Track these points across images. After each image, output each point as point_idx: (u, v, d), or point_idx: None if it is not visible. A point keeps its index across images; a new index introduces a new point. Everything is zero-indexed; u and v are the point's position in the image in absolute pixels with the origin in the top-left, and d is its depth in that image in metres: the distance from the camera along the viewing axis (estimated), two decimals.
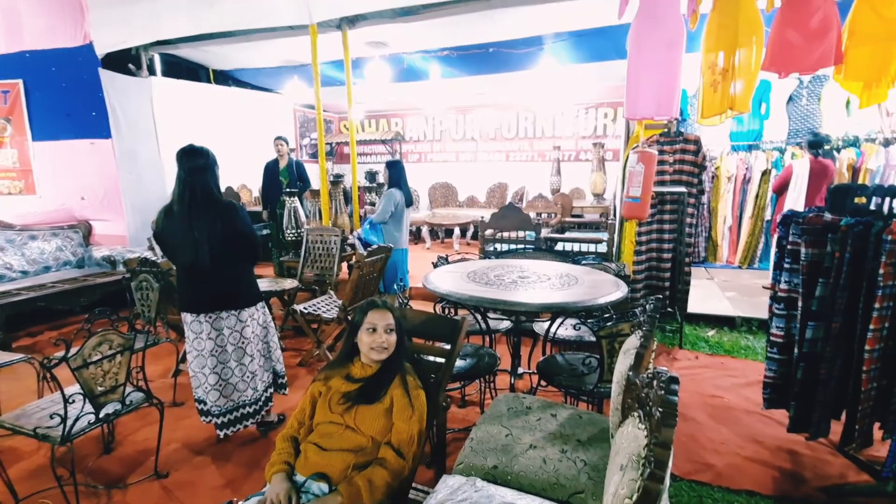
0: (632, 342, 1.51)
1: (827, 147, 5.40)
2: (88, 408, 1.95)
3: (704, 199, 5.72)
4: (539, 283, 2.54)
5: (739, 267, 5.98)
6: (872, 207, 2.01)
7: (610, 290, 2.37)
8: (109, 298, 4.79)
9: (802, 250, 2.03)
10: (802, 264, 2.04)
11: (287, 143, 6.01)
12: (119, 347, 2.03)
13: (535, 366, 2.46)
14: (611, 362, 2.04)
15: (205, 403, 2.45)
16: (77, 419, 1.91)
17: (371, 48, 5.62)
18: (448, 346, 1.88)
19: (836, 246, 1.87)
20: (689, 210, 4.06)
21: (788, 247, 2.13)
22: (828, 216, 1.99)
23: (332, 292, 4.06)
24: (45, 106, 5.34)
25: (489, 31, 5.14)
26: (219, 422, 2.45)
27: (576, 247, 5.12)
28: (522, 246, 4.80)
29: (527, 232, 5.00)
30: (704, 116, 3.29)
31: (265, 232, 6.87)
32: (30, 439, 2.01)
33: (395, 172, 4.64)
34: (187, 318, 2.37)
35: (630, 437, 1.00)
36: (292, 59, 6.27)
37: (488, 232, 5.00)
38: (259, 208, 6.94)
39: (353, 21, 4.71)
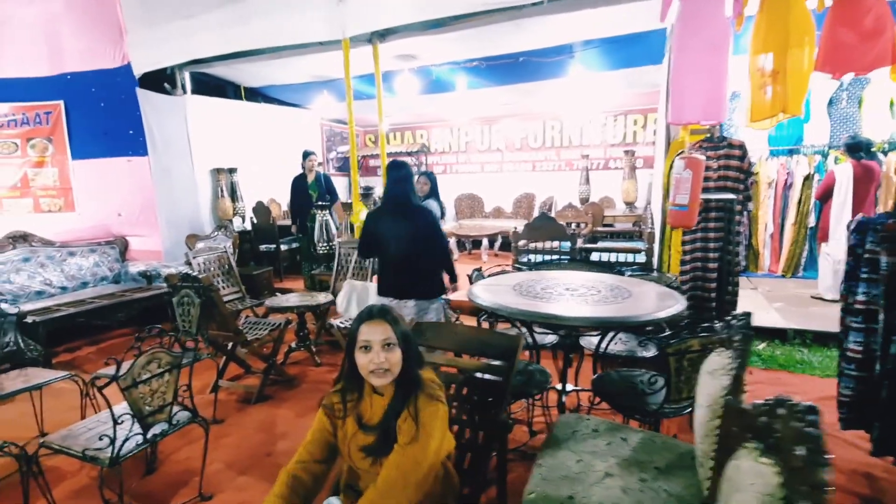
0: (717, 362, 1.39)
1: (872, 149, 5.16)
2: (136, 428, 1.91)
3: (750, 205, 5.52)
4: (590, 295, 2.43)
5: (783, 276, 5.73)
6: None
7: (668, 302, 2.25)
8: (147, 313, 4.83)
9: (883, 259, 1.88)
10: (883, 274, 1.89)
11: (317, 158, 6.04)
12: (167, 366, 1.99)
13: (590, 382, 2.34)
14: (678, 381, 1.91)
15: None
16: (126, 440, 1.87)
17: (400, 61, 5.64)
18: (503, 363, 1.79)
19: None
20: (736, 217, 3.89)
21: (865, 255, 1.98)
22: None
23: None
24: (85, 125, 5.49)
25: (519, 40, 5.10)
26: None
27: (612, 257, 4.98)
28: (558, 257, 4.70)
29: (561, 242, 4.89)
30: (754, 120, 3.15)
31: (294, 245, 6.92)
32: (72, 458, 1.98)
33: (434, 183, 4.55)
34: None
35: (751, 473, 0.89)
36: (321, 74, 6.33)
37: (521, 242, 4.91)
38: (287, 222, 7.00)
39: (383, 35, 4.72)
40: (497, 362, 1.86)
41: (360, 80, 6.47)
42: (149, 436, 1.96)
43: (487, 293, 2.49)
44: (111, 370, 2.74)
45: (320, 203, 5.09)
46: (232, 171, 6.78)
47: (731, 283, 4.00)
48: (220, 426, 2.93)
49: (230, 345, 3.38)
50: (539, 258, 4.78)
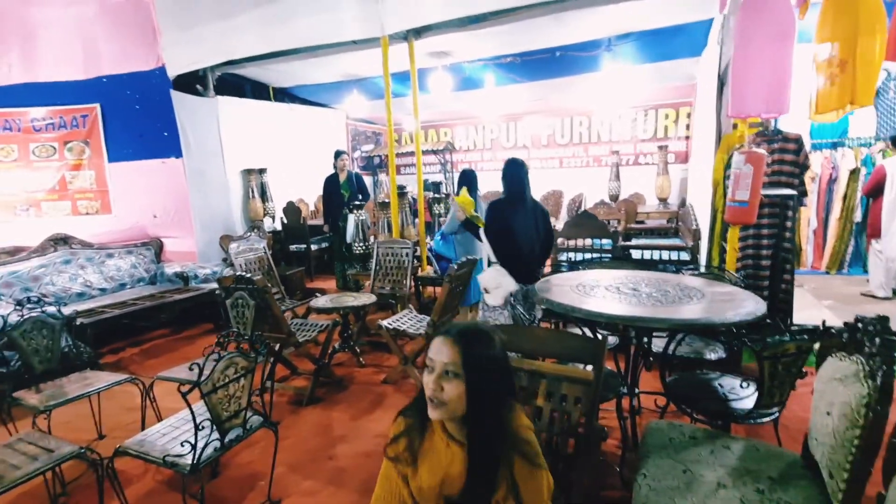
0: (844, 367, 1.32)
1: None
2: (214, 434, 1.89)
3: (805, 201, 5.37)
4: (662, 296, 2.35)
5: (827, 272, 5.57)
6: None
7: (748, 302, 2.16)
8: (186, 315, 4.86)
9: None
10: None
11: (348, 157, 6.03)
12: (243, 370, 1.97)
13: (663, 386, 2.27)
14: (771, 386, 1.83)
15: None
16: (205, 446, 1.85)
17: (433, 58, 5.58)
18: (589, 368, 1.73)
19: None
20: (789, 213, 3.77)
21: None
22: None
23: (410, 307, 3.96)
24: (120, 128, 5.53)
25: (558, 34, 5.01)
26: None
27: (653, 254, 4.87)
28: (599, 255, 4.61)
29: (602, 240, 4.80)
30: (819, 112, 3.04)
31: (324, 245, 6.92)
32: (136, 461, 1.97)
33: (461, 182, 4.48)
34: None
35: None
36: (352, 73, 6.30)
37: (559, 241, 4.83)
38: (317, 222, 7.00)
39: (419, 32, 4.67)
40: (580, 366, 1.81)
41: (390, 78, 6.44)
42: (226, 441, 1.93)
43: (552, 294, 2.43)
44: (169, 373, 2.77)
45: (356, 202, 5.07)
46: (262, 171, 6.79)
47: (784, 280, 3.88)
48: (283, 430, 2.91)
49: (278, 346, 3.37)
50: (579, 256, 4.71)
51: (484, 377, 1.06)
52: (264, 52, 5.08)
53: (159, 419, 2.65)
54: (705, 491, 1.39)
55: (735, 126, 3.65)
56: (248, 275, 3.06)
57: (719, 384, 2.18)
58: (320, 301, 3.86)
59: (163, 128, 5.47)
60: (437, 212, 5.28)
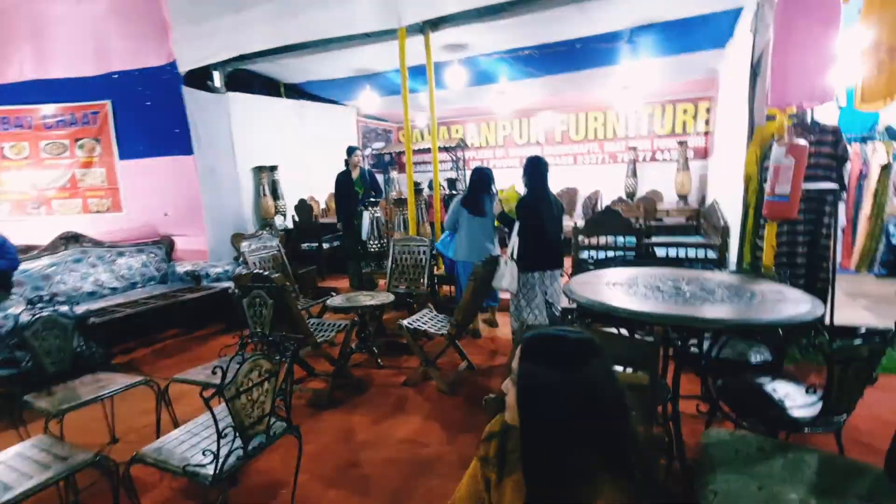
0: None
1: None
2: (237, 441, 1.76)
3: (844, 195, 5.19)
4: (710, 295, 2.20)
5: (856, 271, 5.38)
6: None
7: (803, 302, 2.02)
8: (198, 314, 4.77)
9: None
10: None
11: (361, 153, 5.90)
12: (266, 374, 1.84)
13: (712, 391, 2.13)
14: (839, 392, 1.69)
15: None
16: (228, 455, 1.73)
17: (448, 52, 5.45)
18: (643, 373, 1.59)
19: None
20: (828, 209, 3.61)
21: None
22: None
23: (430, 306, 3.84)
24: (131, 125, 5.44)
25: (578, 26, 4.86)
26: None
27: (678, 252, 4.70)
28: (623, 253, 4.46)
29: (625, 238, 4.64)
30: (866, 101, 2.88)
31: (335, 244, 6.80)
32: (149, 468, 1.85)
33: (473, 177, 4.24)
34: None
35: None
36: (364, 68, 6.19)
37: (580, 238, 4.68)
38: (330, 220, 6.90)
39: (436, 24, 4.55)
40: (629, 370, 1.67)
41: (398, 73, 6.30)
42: (249, 449, 1.81)
43: (590, 293, 2.29)
44: (185, 375, 2.66)
45: (371, 199, 4.95)
46: (273, 168, 6.70)
47: (820, 279, 3.72)
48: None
49: (287, 346, 3.24)
50: (601, 254, 4.55)
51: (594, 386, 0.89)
52: (276, 47, 4.98)
53: (175, 424, 2.55)
54: None
55: (770, 117, 3.49)
56: (266, 273, 2.94)
57: (773, 389, 2.03)
58: (336, 300, 3.74)
59: (174, 124, 5.38)
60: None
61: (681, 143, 6.71)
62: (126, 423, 2.90)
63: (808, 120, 3.58)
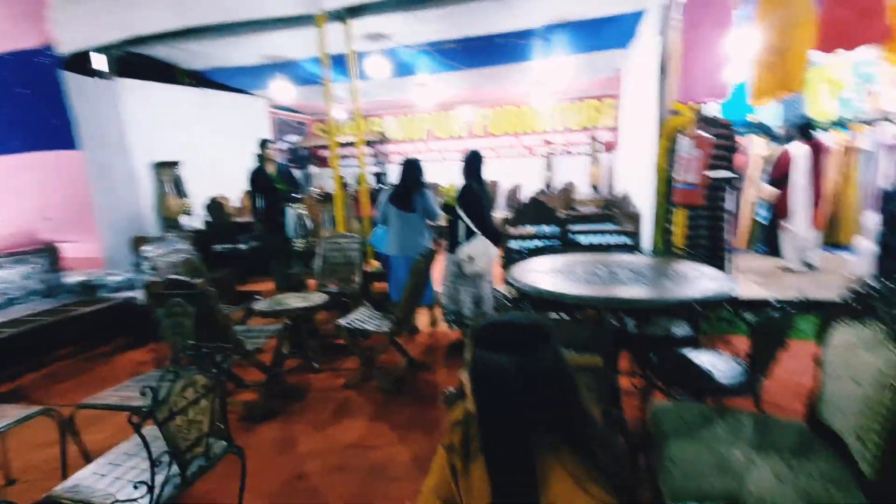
0: (863, 334, 1.35)
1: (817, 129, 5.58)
2: (173, 469, 1.56)
3: (738, 183, 5.79)
4: (641, 278, 2.36)
5: (743, 250, 6.11)
6: None
7: (720, 279, 2.24)
8: (97, 329, 4.20)
9: None
10: None
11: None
12: (203, 390, 1.65)
13: (650, 367, 2.28)
14: (761, 358, 1.89)
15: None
16: (164, 485, 1.52)
17: (369, 42, 5.28)
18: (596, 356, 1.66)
19: None
20: (724, 195, 4.04)
21: None
22: None
23: (367, 304, 3.71)
24: (1, 116, 4.63)
25: (497, 20, 4.94)
26: None
27: (599, 239, 5.01)
28: (550, 242, 4.65)
29: (548, 227, 4.86)
30: (757, 97, 3.25)
31: (253, 244, 6.35)
32: None
33: (403, 171, 4.18)
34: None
35: None
36: (277, 55, 5.80)
37: (510, 229, 4.82)
38: (246, 219, 6.42)
39: (356, 11, 4.38)
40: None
41: (314, 62, 6.02)
42: (188, 475, 1.62)
43: (533, 278, 2.36)
44: (95, 399, 2.32)
45: (293, 195, 4.68)
46: (176, 164, 6.08)
47: (720, 257, 4.16)
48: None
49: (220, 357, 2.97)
50: (529, 244, 4.72)
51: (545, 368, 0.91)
52: (176, 29, 4.49)
53: (87, 457, 2.22)
54: (740, 469, 1.37)
55: (676, 112, 3.82)
56: (186, 278, 2.64)
57: (699, 360, 2.22)
58: (263, 304, 3.49)
59: (54, 115, 4.67)
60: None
61: (593, 138, 7.15)
62: (22, 460, 2.48)
63: (708, 114, 3.98)
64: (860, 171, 5.75)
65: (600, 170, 7.26)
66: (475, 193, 3.64)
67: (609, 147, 7.93)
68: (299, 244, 4.59)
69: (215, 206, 6.13)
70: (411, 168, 3.97)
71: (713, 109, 4.57)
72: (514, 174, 8.16)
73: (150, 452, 1.46)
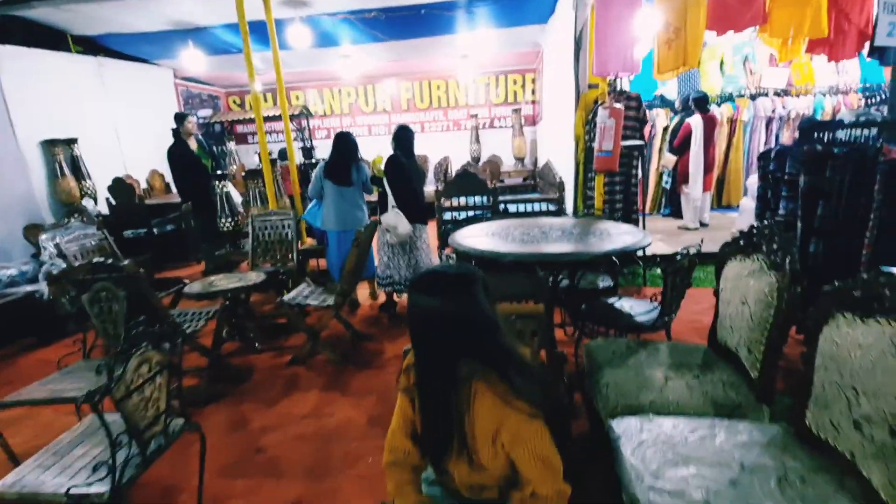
0: (748, 266, 1.64)
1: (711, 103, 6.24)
2: (133, 448, 1.54)
3: (647, 151, 6.30)
4: (567, 236, 2.60)
5: (650, 213, 6.76)
6: (844, 139, 2.41)
7: (638, 234, 2.54)
8: None
9: (801, 179, 2.37)
10: (801, 191, 2.39)
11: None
12: (158, 367, 1.62)
13: (582, 314, 2.54)
14: (671, 297, 2.20)
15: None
16: (125, 465, 1.50)
17: (289, 8, 5.03)
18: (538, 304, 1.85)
19: (837, 172, 2.22)
20: (635, 162, 4.46)
21: (786, 178, 2.46)
22: (818, 147, 2.34)
23: (308, 280, 3.68)
24: None
25: None
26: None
27: (526, 207, 5.30)
28: (482, 212, 4.85)
29: (479, 198, 5.04)
30: (660, 72, 3.60)
31: (169, 228, 5.94)
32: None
33: (336, 145, 4.13)
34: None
35: (860, 336, 1.10)
36: (184, 21, 5.34)
37: (442, 200, 4.94)
38: (157, 200, 5.97)
39: None
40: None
41: (226, 29, 5.65)
42: (148, 454, 1.59)
43: (472, 241, 2.52)
44: (18, 396, 2.14)
45: (219, 173, 4.44)
46: (71, 142, 5.46)
47: (632, 219, 4.61)
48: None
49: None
50: (461, 215, 4.88)
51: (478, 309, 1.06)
52: None
53: (14, 459, 2.06)
54: (659, 385, 1.63)
55: (592, 86, 4.12)
56: (110, 261, 2.47)
57: (620, 306, 2.52)
58: (195, 287, 3.34)
59: None
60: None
61: (515, 111, 7.42)
62: None
63: (619, 87, 4.33)
64: (744, 140, 6.56)
65: (524, 142, 7.58)
66: (399, 165, 3.72)
67: (532, 121, 8.28)
68: (227, 224, 4.38)
69: (122, 188, 5.62)
70: (345, 141, 3.93)
71: (625, 83, 4.98)
72: (442, 148, 8.26)
73: (109, 431, 1.43)
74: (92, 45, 5.90)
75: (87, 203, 5.60)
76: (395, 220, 3.67)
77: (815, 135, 2.56)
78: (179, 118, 4.84)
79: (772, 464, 1.21)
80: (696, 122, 5.52)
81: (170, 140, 4.89)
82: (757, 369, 1.54)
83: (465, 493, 1.18)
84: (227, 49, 6.10)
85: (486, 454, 1.06)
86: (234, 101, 8.79)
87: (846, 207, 2.26)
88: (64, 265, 3.89)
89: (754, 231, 1.66)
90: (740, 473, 1.18)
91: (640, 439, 1.34)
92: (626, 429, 1.40)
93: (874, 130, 2.39)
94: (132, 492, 2.06)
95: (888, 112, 2.55)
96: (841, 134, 2.52)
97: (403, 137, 3.78)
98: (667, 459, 1.25)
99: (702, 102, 5.57)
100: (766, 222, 1.60)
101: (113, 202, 5.67)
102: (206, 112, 8.20)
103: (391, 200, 3.74)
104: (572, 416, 2.12)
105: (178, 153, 4.71)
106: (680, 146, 5.77)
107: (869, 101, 6.20)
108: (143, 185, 6.66)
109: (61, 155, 5.33)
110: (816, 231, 2.36)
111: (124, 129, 6.34)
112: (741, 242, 1.73)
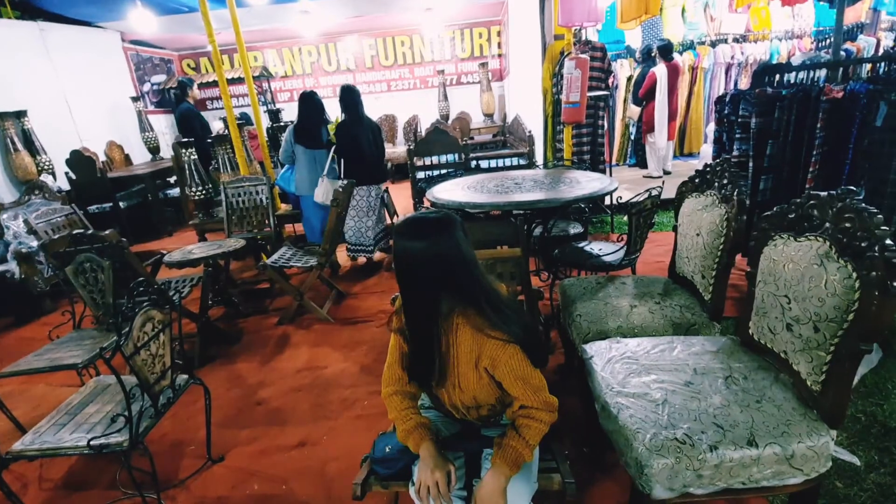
0: (701, 201, 1.81)
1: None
2: (146, 401, 1.64)
3: (612, 102, 6.39)
4: (540, 185, 2.74)
5: (617, 164, 6.96)
6: (793, 81, 2.58)
7: (605, 180, 2.70)
8: None
9: (753, 120, 2.54)
10: (752, 132, 2.56)
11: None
12: (160, 325, 1.70)
13: (553, 258, 2.71)
14: (636, 236, 2.38)
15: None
16: (140, 415, 1.60)
17: None
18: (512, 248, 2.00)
19: (784, 112, 2.40)
20: (601, 113, 4.57)
21: (739, 120, 2.63)
22: (769, 90, 2.51)
23: (288, 243, 3.73)
24: None
25: None
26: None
27: (498, 162, 5.40)
28: (454, 169, 4.92)
29: (450, 156, 5.10)
30: (624, 20, 3.67)
31: (135, 202, 5.80)
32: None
33: (298, 107, 4.08)
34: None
35: (794, 251, 1.28)
36: None
37: (415, 159, 4.97)
38: (121, 173, 5.78)
39: None
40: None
41: None
42: (159, 406, 1.70)
43: (449, 195, 2.63)
44: (16, 367, 2.19)
45: (184, 140, 4.33)
46: (20, 114, 5.18)
47: (599, 169, 4.77)
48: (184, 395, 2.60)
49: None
50: (434, 174, 4.94)
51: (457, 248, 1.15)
52: None
53: (22, 430, 2.14)
54: (625, 312, 1.81)
55: (559, 37, 4.15)
56: (90, 231, 2.47)
57: (590, 248, 2.70)
58: (175, 255, 3.35)
59: None
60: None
61: (482, 65, 7.35)
62: None
63: (584, 38, 4.38)
64: (704, 87, 6.74)
65: (493, 98, 7.56)
66: (345, 128, 3.79)
67: (499, 75, 8.22)
68: (196, 192, 4.31)
69: (81, 161, 5.40)
70: (312, 102, 3.89)
71: (591, 34, 5.01)
72: (410, 106, 8.16)
73: (123, 385, 1.52)
74: (30, 9, 5.49)
75: (46, 179, 5.37)
76: (324, 191, 3.76)
77: (766, 78, 2.72)
78: (183, 86, 4.89)
79: (720, 367, 1.41)
80: (660, 71, 5.63)
81: (125, 108, 4.74)
82: (709, 292, 1.74)
83: (458, 415, 1.34)
84: (178, 9, 5.78)
85: (471, 378, 1.21)
86: (189, 65, 8.37)
87: (792, 145, 2.46)
88: (34, 243, 3.82)
89: (707, 169, 1.83)
90: (693, 376, 1.38)
91: (608, 356, 1.52)
92: (597, 350, 1.58)
93: (822, 72, 2.56)
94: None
95: (832, 54, 2.72)
96: (790, 76, 2.69)
97: (349, 98, 3.78)
98: (632, 370, 1.44)
99: (666, 51, 5.65)
100: (718, 161, 1.76)
101: (73, 177, 5.46)
102: (159, 77, 7.80)
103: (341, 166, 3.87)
104: (548, 349, 2.31)
105: (191, 117, 5.17)
106: (645, 95, 5.90)
107: (820, 45, 6.43)
108: (103, 158, 6.39)
109: (12, 129, 5.06)
110: (766, 169, 2.56)
111: (75, 99, 6.01)
112: (696, 180, 1.90)
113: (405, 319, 1.23)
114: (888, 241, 1.04)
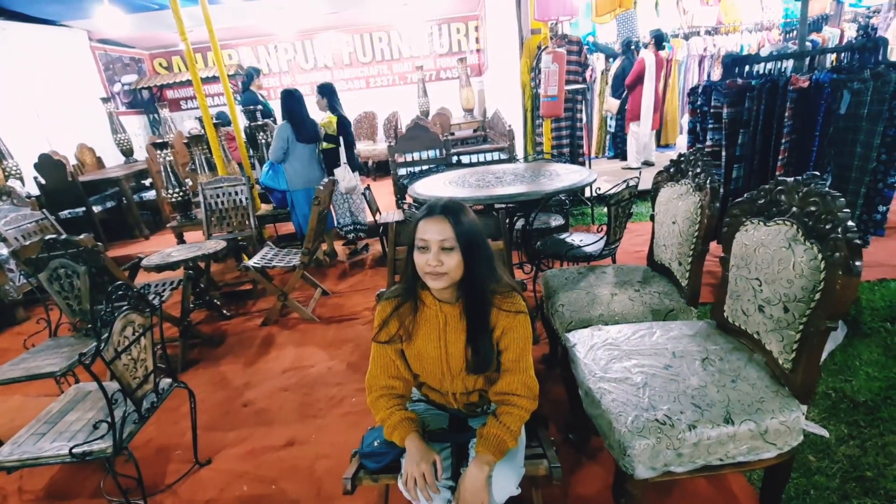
0: (676, 190, 1.86)
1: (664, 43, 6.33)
2: (129, 406, 1.62)
3: (589, 95, 6.44)
4: (521, 179, 2.76)
5: (596, 157, 7.04)
6: (762, 71, 2.65)
7: (584, 172, 2.74)
8: None
9: (724, 111, 2.61)
10: (724, 122, 2.63)
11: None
12: (140, 328, 1.68)
13: (536, 249, 2.75)
14: (615, 227, 2.42)
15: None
16: (124, 421, 1.58)
17: None
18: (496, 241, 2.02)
19: (753, 102, 2.47)
20: (579, 106, 4.63)
21: (711, 110, 2.70)
22: (739, 80, 2.57)
23: (270, 244, 3.69)
24: None
25: None
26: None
27: (479, 157, 5.41)
28: (435, 165, 4.92)
29: (431, 152, 5.10)
30: (599, 14, 3.72)
31: (109, 205, 5.66)
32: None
33: (286, 104, 4.08)
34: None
35: (763, 235, 1.33)
36: None
37: (396, 156, 4.96)
38: (93, 177, 5.63)
39: None
40: None
41: None
42: (143, 411, 1.68)
43: (431, 190, 2.63)
44: None
45: (159, 141, 4.24)
46: None
47: (579, 162, 4.83)
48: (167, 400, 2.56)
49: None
50: (415, 170, 4.94)
51: (473, 244, 1.16)
52: None
53: None
54: (606, 301, 1.85)
55: (535, 31, 4.19)
56: (64, 236, 2.41)
57: (571, 240, 2.74)
58: (154, 259, 3.29)
59: None
60: (262, 141, 4.79)
61: (461, 60, 7.35)
62: None
63: (560, 32, 4.42)
64: (679, 79, 6.86)
65: (472, 93, 7.57)
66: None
67: (478, 70, 8.24)
68: (172, 194, 4.22)
69: (51, 165, 5.24)
70: (298, 99, 3.91)
71: (566, 28, 5.05)
72: (389, 103, 8.11)
73: (104, 390, 1.50)
74: None
75: (14, 184, 5.19)
76: (345, 174, 4.08)
77: (736, 69, 2.79)
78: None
79: (697, 349, 1.46)
80: (649, 58, 5.63)
81: (96, 110, 4.64)
82: (686, 278, 1.79)
83: (455, 405, 1.36)
84: (148, 6, 5.65)
85: (459, 357, 1.25)
86: (161, 64, 8.18)
87: (762, 134, 2.53)
88: (3, 250, 3.71)
89: (681, 159, 1.87)
90: (672, 359, 1.42)
91: (591, 343, 1.56)
92: (580, 338, 1.62)
93: (789, 63, 2.64)
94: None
95: (798, 45, 2.80)
96: (759, 67, 2.77)
97: (324, 96, 4.10)
98: (613, 356, 1.47)
99: (660, 40, 5.56)
100: (691, 151, 1.80)
101: (43, 181, 5.30)
102: (130, 77, 7.61)
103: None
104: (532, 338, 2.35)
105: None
106: (633, 83, 5.90)
107: (787, 36, 6.60)
108: (73, 161, 6.21)
109: None
110: (738, 158, 2.63)
111: (42, 101, 5.83)
112: (671, 170, 1.94)
113: (466, 311, 1.23)
114: (850, 223, 1.09)
